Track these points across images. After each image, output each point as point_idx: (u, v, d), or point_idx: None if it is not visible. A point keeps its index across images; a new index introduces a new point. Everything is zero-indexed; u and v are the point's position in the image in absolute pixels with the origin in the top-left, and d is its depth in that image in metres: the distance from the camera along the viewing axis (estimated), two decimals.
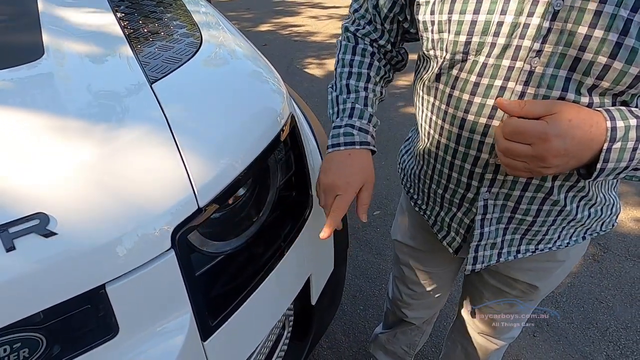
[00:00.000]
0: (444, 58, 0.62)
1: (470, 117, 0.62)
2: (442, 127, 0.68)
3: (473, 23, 0.57)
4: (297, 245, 0.87)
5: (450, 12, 0.59)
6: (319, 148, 1.08)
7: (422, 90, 0.71)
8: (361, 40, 0.77)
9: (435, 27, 0.62)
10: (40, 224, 0.51)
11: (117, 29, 0.89)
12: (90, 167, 0.58)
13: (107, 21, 0.92)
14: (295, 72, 3.68)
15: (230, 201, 0.78)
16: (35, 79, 0.69)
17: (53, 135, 0.60)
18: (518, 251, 0.75)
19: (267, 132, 0.78)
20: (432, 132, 0.71)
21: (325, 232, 0.69)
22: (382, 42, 0.77)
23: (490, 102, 0.59)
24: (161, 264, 0.59)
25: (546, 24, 0.53)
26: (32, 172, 0.55)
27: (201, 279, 0.68)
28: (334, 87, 0.77)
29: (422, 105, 0.73)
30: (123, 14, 0.98)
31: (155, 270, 0.59)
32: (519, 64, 0.56)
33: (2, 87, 0.66)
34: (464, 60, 0.60)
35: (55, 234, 0.52)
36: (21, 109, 0.63)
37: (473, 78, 0.60)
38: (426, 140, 0.74)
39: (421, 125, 0.75)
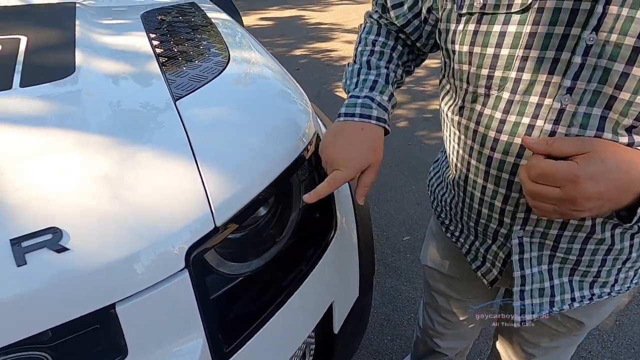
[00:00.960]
0: (466, 90, 0.59)
1: (497, 156, 0.58)
2: (469, 162, 0.64)
3: (495, 57, 0.54)
4: (319, 270, 0.83)
5: (472, 43, 0.56)
6: None
7: (448, 120, 0.68)
8: (385, 27, 0.75)
9: (456, 57, 0.59)
10: (52, 239, 0.50)
11: (147, 49, 0.90)
12: (107, 182, 0.57)
13: (139, 41, 0.94)
14: (327, 96, 3.70)
15: (250, 221, 0.76)
16: (62, 94, 0.70)
17: (73, 150, 0.60)
18: (573, 299, 0.67)
19: (290, 150, 0.76)
20: (459, 165, 0.67)
21: (308, 196, 0.64)
22: (402, 36, 0.74)
23: (518, 140, 0.55)
24: (174, 285, 0.57)
25: (577, 60, 0.49)
26: (49, 186, 0.55)
27: (216, 302, 0.66)
28: (355, 62, 0.73)
29: (449, 135, 0.69)
30: (155, 35, 1.00)
31: (168, 291, 0.57)
32: (547, 101, 0.52)
33: (29, 102, 0.67)
34: (487, 95, 0.57)
35: (67, 249, 0.51)
36: (44, 123, 0.64)
37: (498, 115, 0.56)
38: (454, 171, 0.69)
39: (449, 155, 0.71)
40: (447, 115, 0.68)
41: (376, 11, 0.77)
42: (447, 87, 0.66)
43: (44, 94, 0.69)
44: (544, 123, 0.53)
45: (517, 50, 0.52)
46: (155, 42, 0.95)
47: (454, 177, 0.70)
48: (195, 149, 0.65)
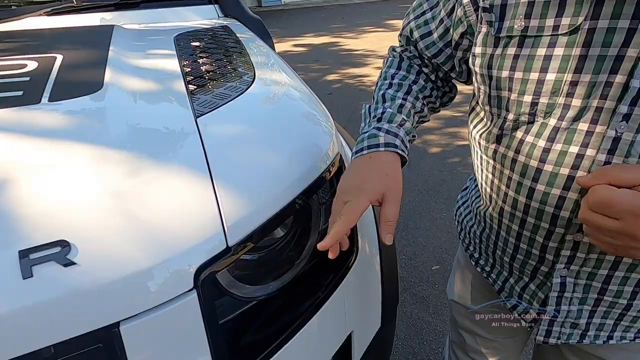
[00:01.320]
0: (505, 118, 0.55)
1: (541, 187, 0.53)
2: (506, 194, 0.58)
3: (540, 82, 0.49)
4: (337, 296, 0.79)
5: (513, 68, 0.51)
6: None
7: (480, 148, 0.63)
8: (407, 60, 0.72)
9: (493, 83, 0.55)
10: (60, 252, 0.50)
11: (175, 68, 0.92)
12: (120, 197, 0.57)
13: (168, 61, 0.96)
14: (358, 120, 3.68)
15: (267, 242, 0.73)
16: (86, 109, 0.71)
17: (89, 163, 0.60)
18: (610, 337, 0.60)
19: (310, 171, 0.73)
20: (494, 196, 0.61)
21: (322, 243, 0.56)
22: (426, 70, 0.71)
23: (565, 171, 0.50)
24: (181, 306, 0.55)
25: (636, 84, 0.44)
26: (61, 198, 0.55)
27: (226, 326, 0.63)
28: (372, 98, 0.70)
29: (482, 164, 0.64)
30: (185, 55, 1.02)
31: (174, 312, 0.55)
32: (599, 129, 0.47)
33: (55, 116, 0.68)
34: (531, 122, 0.52)
35: (74, 263, 0.50)
36: (65, 137, 0.64)
37: (542, 143, 0.51)
38: (488, 202, 0.64)
39: (481, 184, 0.66)
40: (479, 143, 0.63)
41: (401, 45, 0.74)
42: (482, 114, 0.62)
43: (69, 109, 0.70)
44: (596, 153, 0.48)
45: (565, 74, 0.48)
46: (184, 62, 0.97)
47: (487, 209, 0.64)
48: (211, 167, 0.63)
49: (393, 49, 0.75)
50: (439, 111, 0.77)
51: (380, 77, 0.72)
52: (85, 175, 0.59)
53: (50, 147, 0.62)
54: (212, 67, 0.97)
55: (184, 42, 1.14)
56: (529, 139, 0.53)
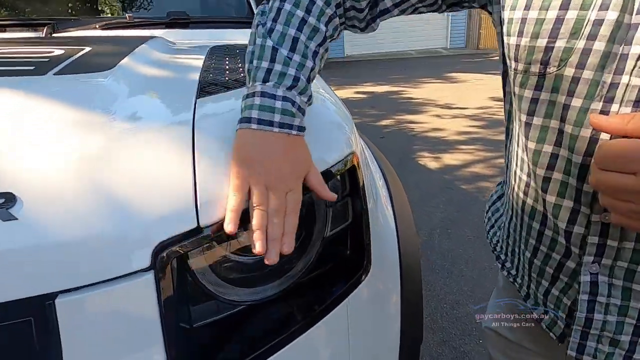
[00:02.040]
0: (516, 70, 0.47)
1: (564, 153, 0.44)
2: (528, 165, 0.49)
3: (559, 21, 0.42)
4: (338, 318, 0.68)
5: (527, 7, 0.44)
6: (395, 221, 0.91)
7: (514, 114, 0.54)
8: None
9: (504, 29, 0.47)
10: (3, 205, 0.44)
11: (197, 64, 0.90)
12: (89, 160, 0.51)
13: (193, 60, 0.95)
14: (408, 163, 3.58)
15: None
16: (87, 82, 0.70)
17: (68, 125, 0.56)
18: None
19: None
20: (518, 170, 0.52)
21: (267, 256, 0.49)
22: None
23: (587, 133, 0.41)
24: (132, 286, 0.47)
25: None
26: (25, 154, 0.51)
27: (190, 330, 0.54)
28: (268, 28, 0.53)
29: (512, 128, 0.55)
30: (211, 56, 1.01)
31: (123, 293, 0.47)
32: (625, 79, 0.39)
33: (54, 85, 0.67)
34: (542, 75, 0.44)
35: (16, 219, 0.44)
36: (54, 102, 0.62)
37: (561, 99, 0.43)
38: (513, 181, 0.54)
39: (510, 161, 0.56)
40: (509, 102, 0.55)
41: None
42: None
43: (71, 81, 0.69)
44: (620, 107, 0.39)
45: (589, 12, 0.39)
46: (208, 62, 0.95)
47: (513, 189, 0.54)
48: (196, 143, 0.57)
49: None
50: None
51: None
52: (61, 136, 0.55)
53: (35, 109, 0.60)
54: (235, 66, 0.94)
55: (217, 50, 1.14)
56: (544, 95, 0.44)
